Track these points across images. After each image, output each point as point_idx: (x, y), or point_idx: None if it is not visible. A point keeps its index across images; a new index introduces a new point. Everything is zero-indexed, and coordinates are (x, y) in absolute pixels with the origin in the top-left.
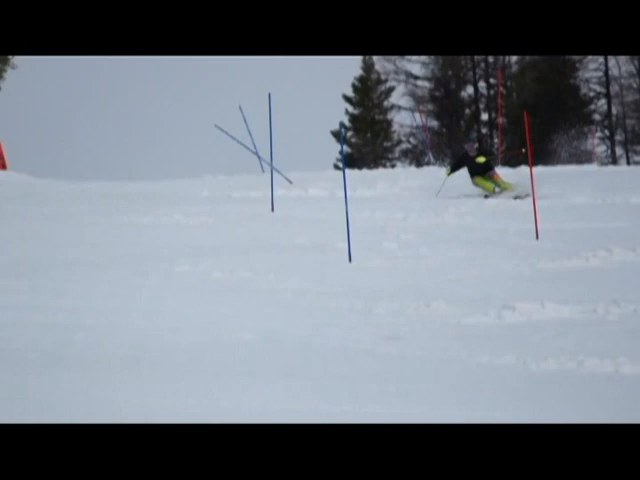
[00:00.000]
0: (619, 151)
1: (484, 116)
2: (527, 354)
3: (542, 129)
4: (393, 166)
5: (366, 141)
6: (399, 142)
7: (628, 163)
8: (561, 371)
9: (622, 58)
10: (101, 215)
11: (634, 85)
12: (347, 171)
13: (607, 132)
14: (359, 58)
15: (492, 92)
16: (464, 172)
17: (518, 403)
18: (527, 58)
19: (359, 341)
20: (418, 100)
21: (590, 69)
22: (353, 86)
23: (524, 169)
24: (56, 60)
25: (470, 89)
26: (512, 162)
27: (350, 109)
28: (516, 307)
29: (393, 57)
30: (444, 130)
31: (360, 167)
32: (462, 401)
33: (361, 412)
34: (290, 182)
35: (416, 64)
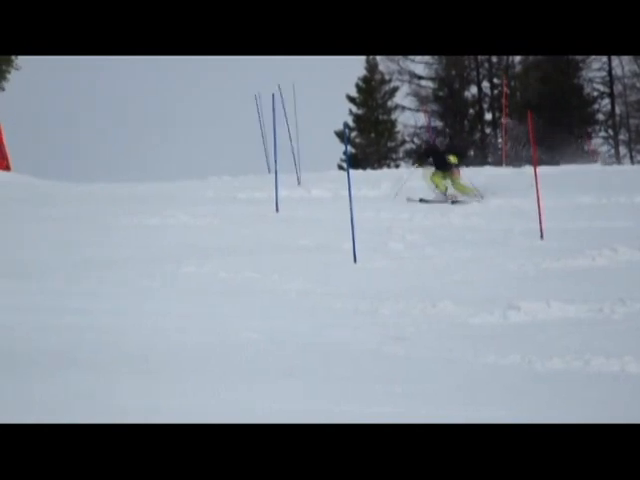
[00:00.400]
0: (623, 150)
1: (488, 116)
2: (533, 353)
3: (546, 129)
4: (397, 166)
5: (370, 141)
6: (403, 142)
7: (632, 162)
8: (567, 370)
9: (626, 58)
10: (108, 216)
11: (638, 84)
12: (351, 171)
13: (611, 131)
14: (363, 58)
15: (496, 92)
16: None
17: (524, 403)
18: (531, 58)
19: (365, 342)
20: (422, 100)
21: (594, 69)
22: (357, 86)
23: (528, 169)
24: (60, 60)
25: (474, 89)
26: (516, 162)
27: (354, 109)
28: (522, 307)
29: (397, 57)
30: (447, 130)
31: (364, 167)
32: (468, 401)
33: (367, 412)
34: (299, 183)
35: (420, 64)
